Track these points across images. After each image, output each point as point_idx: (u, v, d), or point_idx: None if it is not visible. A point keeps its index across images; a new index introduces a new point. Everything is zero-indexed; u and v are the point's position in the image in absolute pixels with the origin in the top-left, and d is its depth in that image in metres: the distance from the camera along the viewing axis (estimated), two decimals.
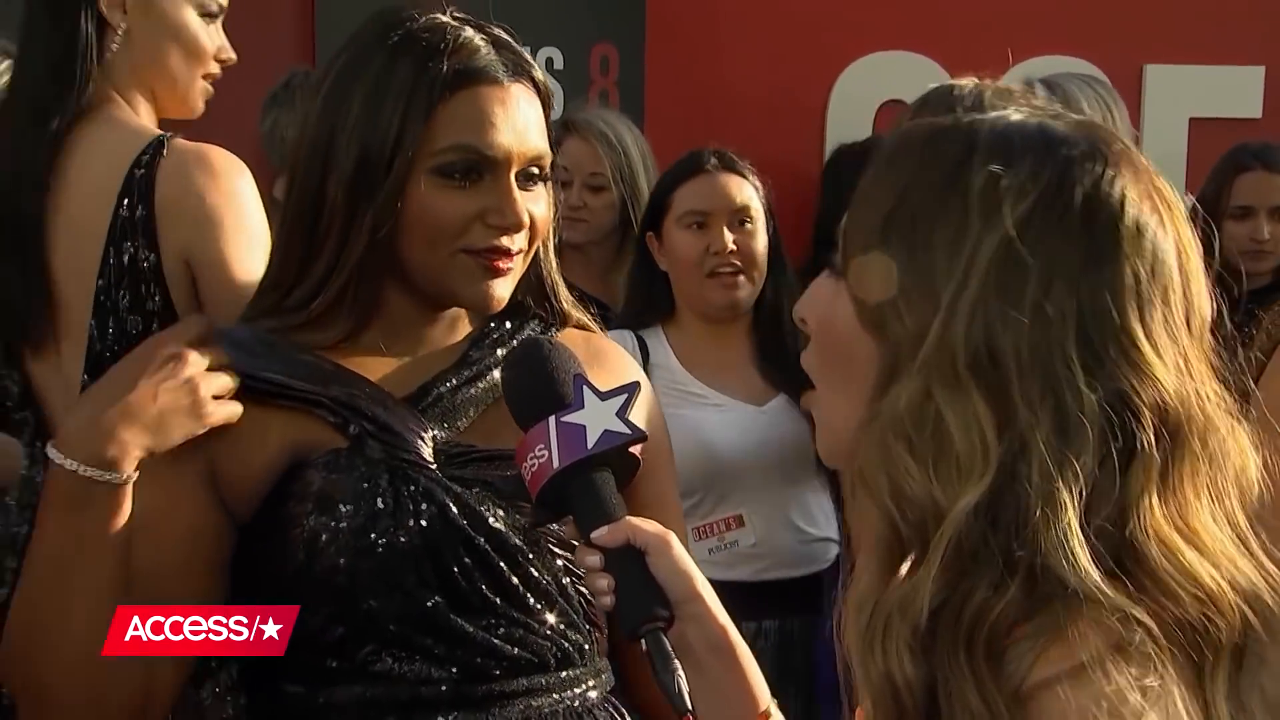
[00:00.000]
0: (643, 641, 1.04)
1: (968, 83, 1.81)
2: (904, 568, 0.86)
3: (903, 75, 3.33)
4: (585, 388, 1.10)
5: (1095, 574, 0.81)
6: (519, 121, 1.29)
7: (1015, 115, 0.90)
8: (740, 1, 3.38)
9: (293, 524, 1.25)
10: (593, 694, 1.33)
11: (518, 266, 1.31)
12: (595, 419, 1.09)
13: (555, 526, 1.27)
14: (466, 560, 1.26)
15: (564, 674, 1.31)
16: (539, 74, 1.33)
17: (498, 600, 1.28)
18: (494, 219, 1.27)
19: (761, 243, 2.41)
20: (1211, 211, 2.98)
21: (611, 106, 3.16)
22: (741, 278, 2.39)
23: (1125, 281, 0.84)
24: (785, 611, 2.37)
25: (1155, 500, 0.84)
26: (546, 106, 1.34)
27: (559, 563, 1.31)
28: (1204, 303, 0.88)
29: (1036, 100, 1.85)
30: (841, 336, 0.90)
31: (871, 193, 0.90)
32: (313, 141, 1.29)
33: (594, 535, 1.06)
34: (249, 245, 1.71)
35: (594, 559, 1.07)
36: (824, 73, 3.37)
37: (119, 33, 1.81)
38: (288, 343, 1.30)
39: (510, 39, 1.33)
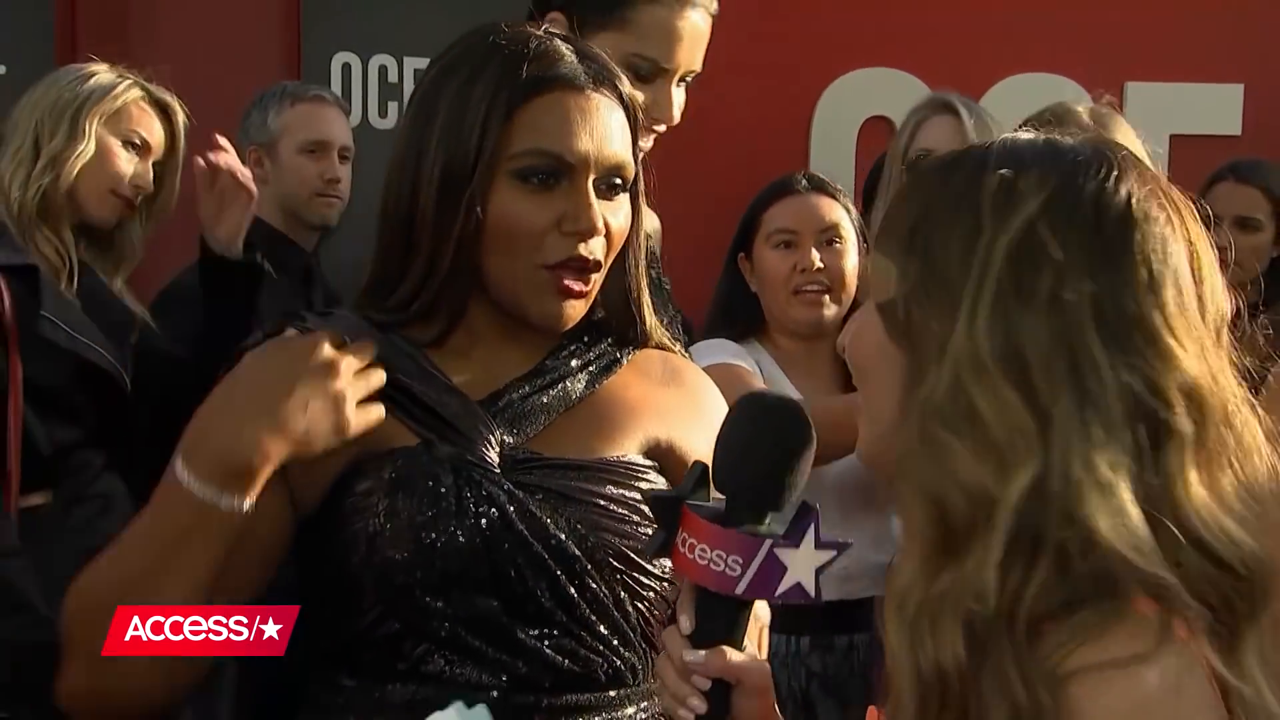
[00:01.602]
0: None
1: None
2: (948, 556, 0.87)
3: (886, 91, 3.35)
4: (812, 528, 1.01)
5: (1151, 549, 0.85)
6: (598, 128, 1.30)
7: (1025, 134, 0.95)
8: (723, 19, 3.39)
9: (357, 518, 1.27)
10: (641, 716, 1.32)
11: (592, 287, 1.32)
12: (799, 567, 1.01)
13: (616, 538, 1.28)
14: (523, 565, 1.27)
15: (612, 693, 1.31)
16: (625, 87, 1.34)
17: (553, 609, 1.28)
18: (569, 225, 1.29)
19: (850, 262, 2.45)
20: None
21: None
22: (827, 296, 2.43)
23: (1139, 275, 0.88)
24: (872, 625, 2.39)
25: (1194, 475, 0.87)
26: (633, 120, 1.34)
27: (618, 577, 1.30)
28: (1220, 299, 0.92)
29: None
30: (872, 350, 0.95)
31: (895, 216, 0.96)
32: (404, 150, 1.33)
33: (697, 661, 1.03)
34: None
35: (702, 681, 1.04)
36: (808, 90, 3.39)
37: None
38: (393, 334, 1.33)
39: (599, 52, 1.35)
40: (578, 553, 1.28)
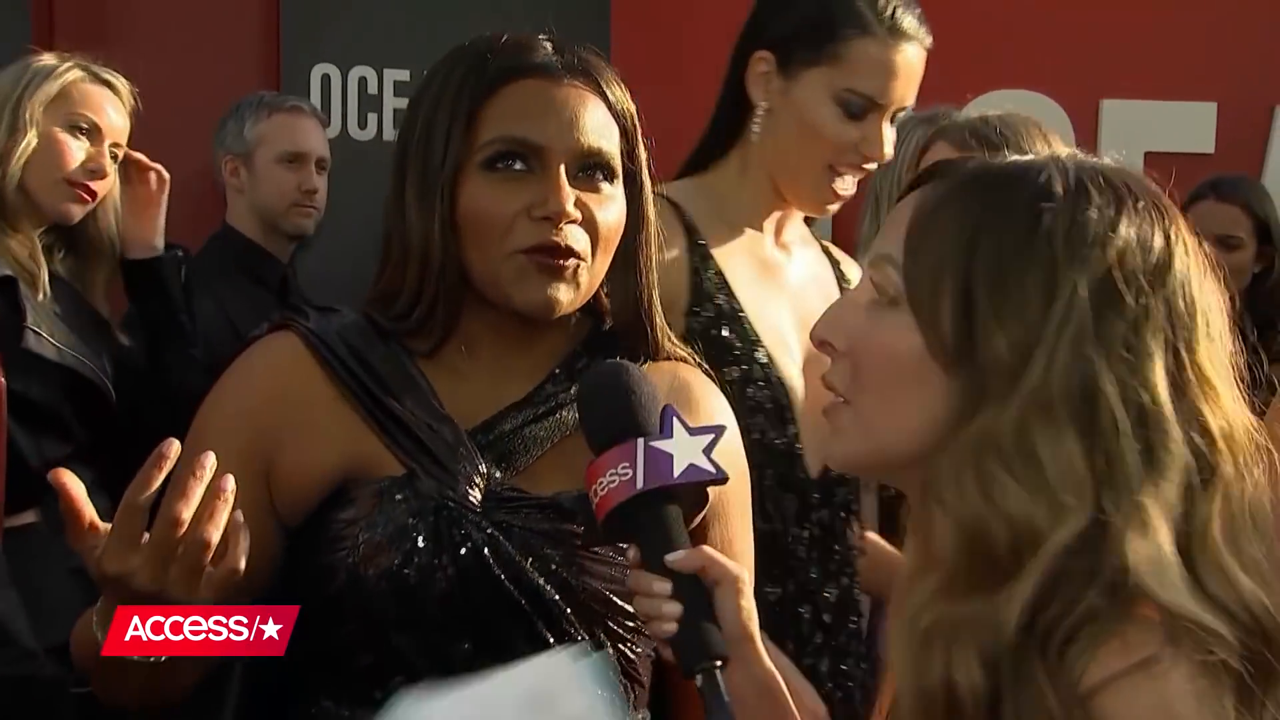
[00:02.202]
0: (698, 678, 1.04)
1: (992, 115, 1.84)
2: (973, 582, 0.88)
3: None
4: (675, 419, 1.10)
5: (1187, 594, 0.86)
6: (568, 114, 1.27)
7: (1075, 159, 0.96)
8: (701, 29, 3.40)
9: (339, 546, 1.25)
10: None
11: (581, 272, 1.27)
12: (683, 451, 1.09)
13: (598, 583, 1.27)
14: (499, 610, 1.25)
15: None
16: (614, 90, 1.31)
17: (528, 653, 1.22)
18: (538, 209, 1.25)
19: None
20: None
21: None
22: None
23: (1200, 324, 0.91)
24: None
25: (1218, 526, 0.89)
26: (621, 119, 1.31)
27: (598, 621, 1.28)
28: (1228, 337, 0.95)
29: (1054, 138, 1.92)
30: (901, 364, 0.94)
31: (937, 226, 0.94)
32: (395, 157, 1.32)
33: (670, 558, 1.07)
34: None
35: (664, 585, 1.06)
36: None
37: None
38: (393, 343, 1.31)
39: (590, 54, 1.32)
40: (557, 597, 1.25)
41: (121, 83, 2.33)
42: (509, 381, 1.32)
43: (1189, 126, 3.46)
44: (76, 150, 2.25)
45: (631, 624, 1.29)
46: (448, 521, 1.25)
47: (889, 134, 1.81)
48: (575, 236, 1.26)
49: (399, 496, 1.25)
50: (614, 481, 1.08)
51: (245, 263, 2.91)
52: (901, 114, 1.86)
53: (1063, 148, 1.78)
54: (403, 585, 1.23)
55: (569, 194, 1.25)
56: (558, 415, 1.31)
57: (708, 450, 1.10)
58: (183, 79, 3.20)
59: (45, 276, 2.23)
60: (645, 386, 1.13)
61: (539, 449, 1.30)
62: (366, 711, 1.25)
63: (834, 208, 1.86)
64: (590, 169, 1.28)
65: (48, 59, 2.28)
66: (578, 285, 1.27)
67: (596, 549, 1.26)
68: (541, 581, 1.25)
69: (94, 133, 2.27)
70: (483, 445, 1.29)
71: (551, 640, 1.25)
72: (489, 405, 1.31)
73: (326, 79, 3.20)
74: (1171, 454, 0.88)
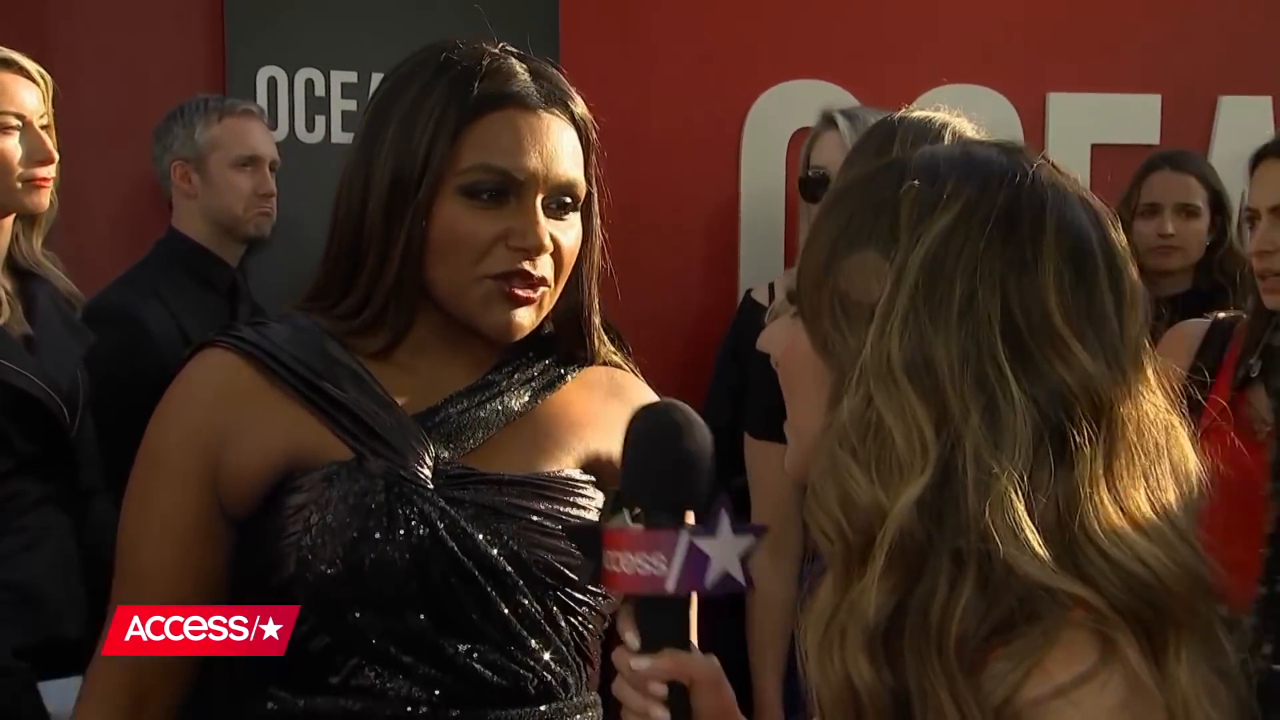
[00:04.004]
0: None
1: (920, 114, 1.85)
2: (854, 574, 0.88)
3: (815, 103, 3.37)
4: (725, 513, 1.01)
5: (1049, 560, 0.84)
6: (548, 147, 1.30)
7: (946, 147, 0.97)
8: (652, 33, 3.40)
9: (288, 531, 1.26)
10: None
11: (544, 298, 1.31)
12: (721, 555, 1.01)
13: (548, 554, 1.28)
14: (454, 582, 1.27)
15: (543, 707, 1.31)
16: (579, 108, 1.35)
17: (483, 624, 1.28)
18: (515, 240, 1.29)
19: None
20: (1123, 213, 3.11)
21: None
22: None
23: (1049, 281, 0.88)
24: None
25: (1103, 490, 0.87)
26: (585, 141, 1.35)
27: (550, 593, 1.30)
28: (1139, 300, 0.91)
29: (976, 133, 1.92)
30: (800, 369, 0.96)
31: (817, 235, 0.96)
32: (355, 162, 1.32)
33: (646, 668, 1.02)
34: None
35: (659, 689, 1.02)
36: (736, 102, 3.40)
37: None
38: (337, 343, 1.32)
39: (555, 72, 1.35)
40: (509, 569, 1.28)
41: (15, 55, 2.23)
42: (451, 375, 1.35)
43: (1134, 118, 3.50)
44: (12, 149, 2.19)
45: (583, 597, 1.32)
46: (399, 499, 1.26)
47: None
48: (544, 265, 1.30)
49: (348, 478, 1.26)
50: (643, 568, 1.00)
51: (194, 267, 2.88)
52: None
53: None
54: (357, 564, 1.24)
55: (545, 229, 1.29)
56: (500, 400, 1.34)
57: (745, 555, 1.02)
58: (126, 81, 3.15)
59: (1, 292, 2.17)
60: (702, 443, 1.04)
61: (484, 431, 1.33)
62: (323, 699, 1.26)
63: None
64: (560, 199, 1.32)
65: None
66: (540, 309, 1.32)
67: (550, 525, 1.29)
68: (495, 553, 1.27)
69: (22, 123, 2.21)
70: (428, 428, 1.31)
71: (505, 610, 1.27)
72: (433, 395, 1.34)
73: (273, 81, 3.16)
74: (1016, 418, 0.86)
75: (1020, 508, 0.85)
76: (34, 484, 2.13)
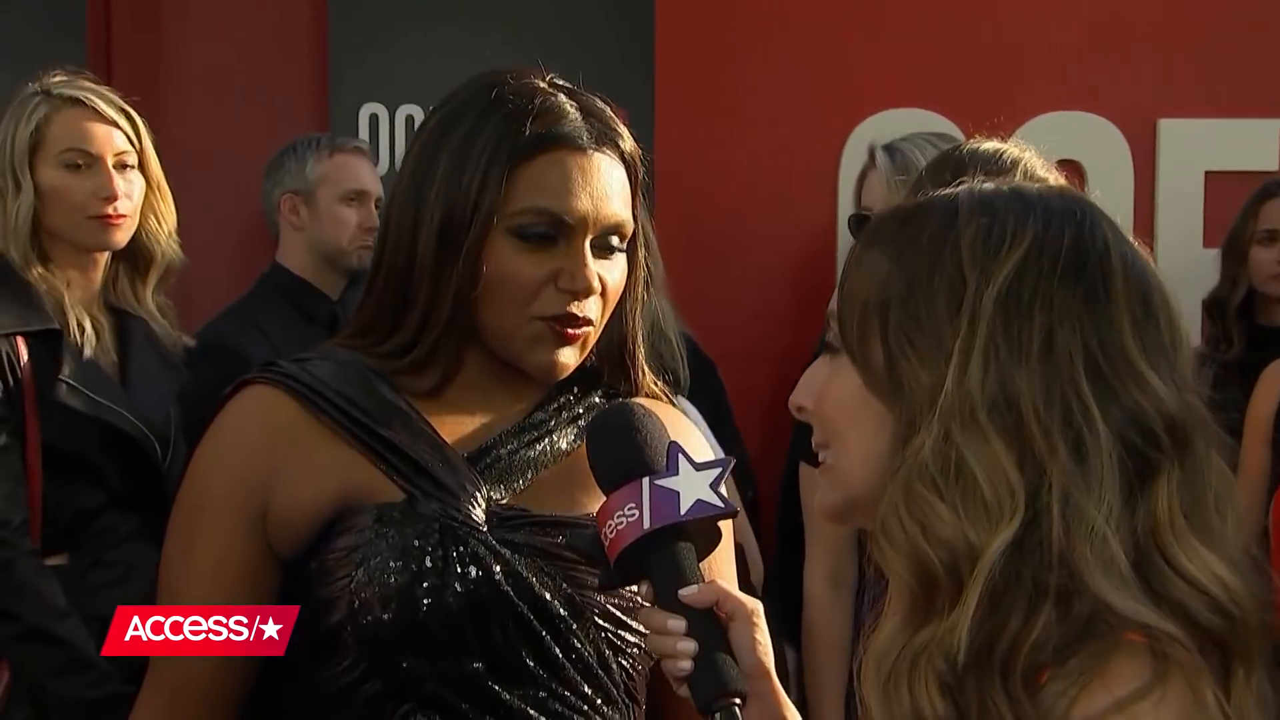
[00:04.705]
0: (715, 716, 1.03)
1: (990, 147, 1.80)
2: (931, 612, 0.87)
3: (915, 131, 3.32)
4: (681, 456, 1.10)
5: (1141, 596, 0.85)
6: (598, 188, 1.30)
7: (989, 185, 0.96)
8: (750, 60, 3.39)
9: (339, 574, 1.25)
10: None
11: (588, 337, 1.31)
12: (689, 487, 1.09)
13: (601, 596, 1.27)
14: (509, 626, 1.26)
15: None
16: (628, 144, 1.34)
17: (537, 670, 1.26)
18: (565, 282, 1.28)
19: None
20: (1239, 240, 3.01)
21: None
22: None
23: (1123, 318, 0.90)
24: None
25: (1180, 515, 0.88)
26: (634, 177, 1.34)
27: (603, 635, 1.29)
28: (1186, 330, 0.94)
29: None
30: (848, 408, 0.95)
31: (861, 267, 0.95)
32: (404, 196, 1.32)
33: (683, 593, 1.05)
34: None
35: (677, 623, 1.05)
36: (835, 130, 3.37)
37: None
38: (384, 381, 1.31)
39: (604, 107, 1.34)
40: (563, 612, 1.27)
41: (90, 90, 2.25)
42: (500, 412, 1.35)
43: (1251, 144, 3.38)
44: (76, 189, 2.22)
45: (634, 639, 1.30)
46: (453, 540, 1.25)
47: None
48: (591, 307, 1.30)
49: (401, 520, 1.25)
50: (622, 523, 1.07)
51: (296, 300, 2.93)
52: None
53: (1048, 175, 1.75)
54: (412, 607, 1.23)
55: (594, 272, 1.29)
56: (549, 439, 1.34)
57: (715, 484, 1.09)
58: (234, 119, 3.24)
59: (91, 325, 2.22)
60: (651, 424, 1.13)
61: (534, 471, 1.33)
62: None
63: None
64: (608, 239, 1.31)
65: (22, 97, 2.23)
66: (584, 348, 1.32)
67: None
68: (548, 597, 1.26)
69: (90, 161, 2.23)
70: (480, 469, 1.31)
71: (559, 654, 1.26)
72: (481, 435, 1.33)
73: (375, 118, 3.22)
74: (1103, 450, 0.87)
75: (1115, 542, 0.86)
76: (125, 519, 2.18)
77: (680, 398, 2.39)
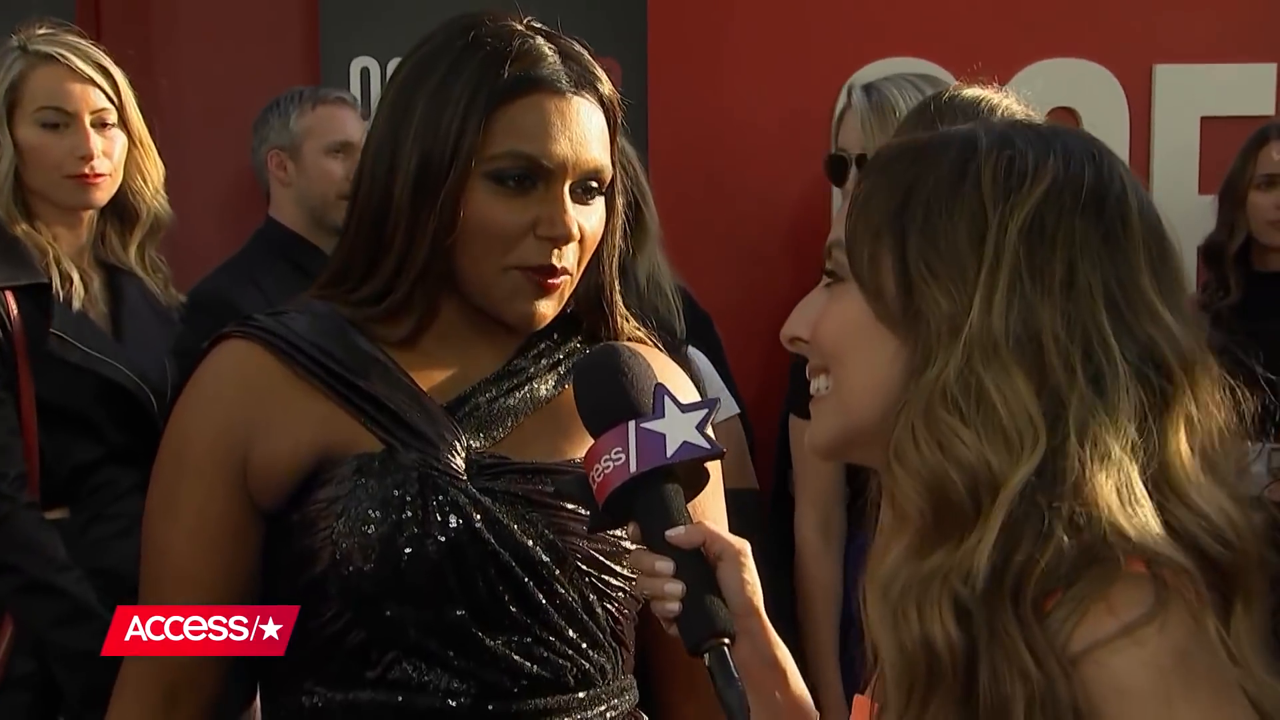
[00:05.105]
0: (706, 656, 1.03)
1: (971, 93, 1.79)
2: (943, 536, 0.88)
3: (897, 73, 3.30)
4: (667, 398, 1.10)
5: (1157, 526, 0.86)
6: (577, 132, 1.28)
7: (1004, 120, 1.01)
8: (745, 9, 3.37)
9: (320, 525, 1.25)
10: (611, 714, 1.32)
11: (565, 286, 1.30)
12: (675, 429, 1.09)
13: (584, 541, 1.27)
14: (491, 574, 1.26)
15: (582, 694, 1.30)
16: (606, 88, 1.32)
17: (521, 616, 1.27)
18: (544, 229, 1.27)
19: None
20: (1237, 185, 3.00)
21: None
22: None
23: (1140, 256, 0.92)
24: None
25: (1187, 446, 0.90)
26: (613, 122, 1.32)
27: (586, 580, 1.29)
28: (1188, 273, 0.97)
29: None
30: (851, 333, 0.95)
31: (873, 196, 0.95)
32: (380, 140, 1.30)
33: (670, 534, 1.06)
34: None
35: (665, 564, 1.06)
36: (831, 79, 3.35)
37: None
38: (359, 332, 1.30)
39: (582, 51, 1.32)
40: (546, 559, 1.27)
41: (68, 46, 2.21)
42: (477, 361, 1.34)
43: (1247, 89, 3.37)
44: (53, 148, 2.19)
45: (618, 583, 1.30)
46: (433, 489, 1.25)
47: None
48: (569, 254, 1.29)
49: (381, 470, 1.25)
50: (609, 466, 1.08)
51: (290, 255, 2.93)
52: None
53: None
54: (393, 557, 1.23)
55: (574, 218, 1.28)
56: (528, 388, 1.33)
57: (700, 426, 1.09)
58: (224, 75, 3.22)
59: (79, 279, 2.21)
60: (637, 366, 1.13)
61: (514, 419, 1.32)
62: (362, 693, 1.25)
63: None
64: (587, 184, 1.30)
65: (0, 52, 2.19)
66: (561, 298, 1.31)
67: (583, 512, 1.26)
68: (531, 544, 1.26)
69: (67, 119, 2.20)
70: (458, 418, 1.30)
71: (542, 600, 1.27)
72: (459, 383, 1.32)
73: (365, 72, 3.20)
74: (1120, 383, 0.88)
75: (1134, 473, 0.87)
76: (124, 473, 2.18)
77: (690, 348, 2.40)
